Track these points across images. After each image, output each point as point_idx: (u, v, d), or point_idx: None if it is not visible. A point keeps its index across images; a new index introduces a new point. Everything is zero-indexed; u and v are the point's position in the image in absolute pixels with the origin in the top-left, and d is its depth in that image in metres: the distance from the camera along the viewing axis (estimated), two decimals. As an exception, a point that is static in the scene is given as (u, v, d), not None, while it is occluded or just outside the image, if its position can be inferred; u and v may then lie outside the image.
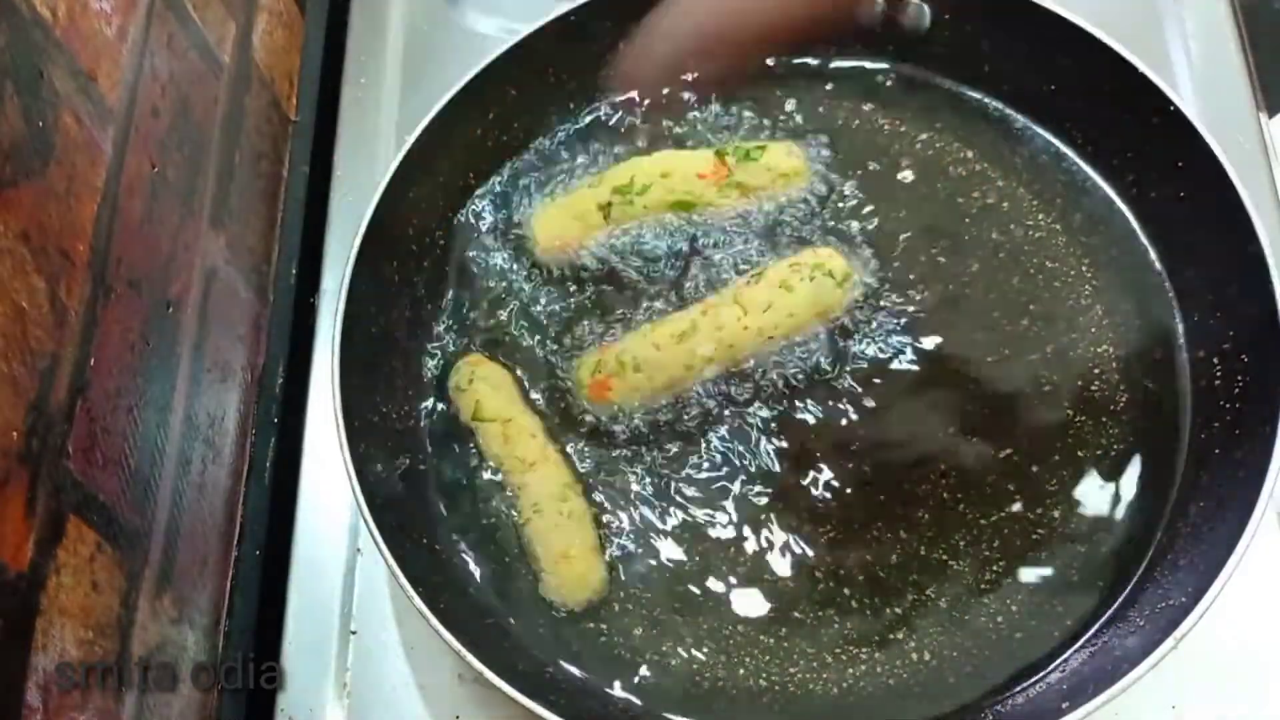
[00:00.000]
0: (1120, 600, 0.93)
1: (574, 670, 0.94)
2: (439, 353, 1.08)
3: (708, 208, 1.10)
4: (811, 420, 1.01)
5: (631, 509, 0.99)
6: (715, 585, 0.96)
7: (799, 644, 0.94)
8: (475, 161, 1.13)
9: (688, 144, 1.15)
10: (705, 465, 1.00)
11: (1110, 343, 1.03)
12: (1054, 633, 0.93)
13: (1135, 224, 1.08)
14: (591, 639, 0.94)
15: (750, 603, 0.95)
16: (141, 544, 0.89)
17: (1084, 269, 1.06)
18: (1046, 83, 1.10)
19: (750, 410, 1.01)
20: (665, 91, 1.15)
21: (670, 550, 0.97)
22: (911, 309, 1.05)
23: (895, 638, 0.93)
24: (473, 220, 1.13)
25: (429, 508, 1.00)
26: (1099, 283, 1.05)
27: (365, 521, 0.89)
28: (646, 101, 1.15)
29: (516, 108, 1.13)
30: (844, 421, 1.01)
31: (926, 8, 1.12)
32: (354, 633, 1.03)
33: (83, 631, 0.77)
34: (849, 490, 0.98)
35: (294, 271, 1.19)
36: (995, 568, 0.95)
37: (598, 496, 1.00)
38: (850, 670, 0.93)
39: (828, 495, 0.98)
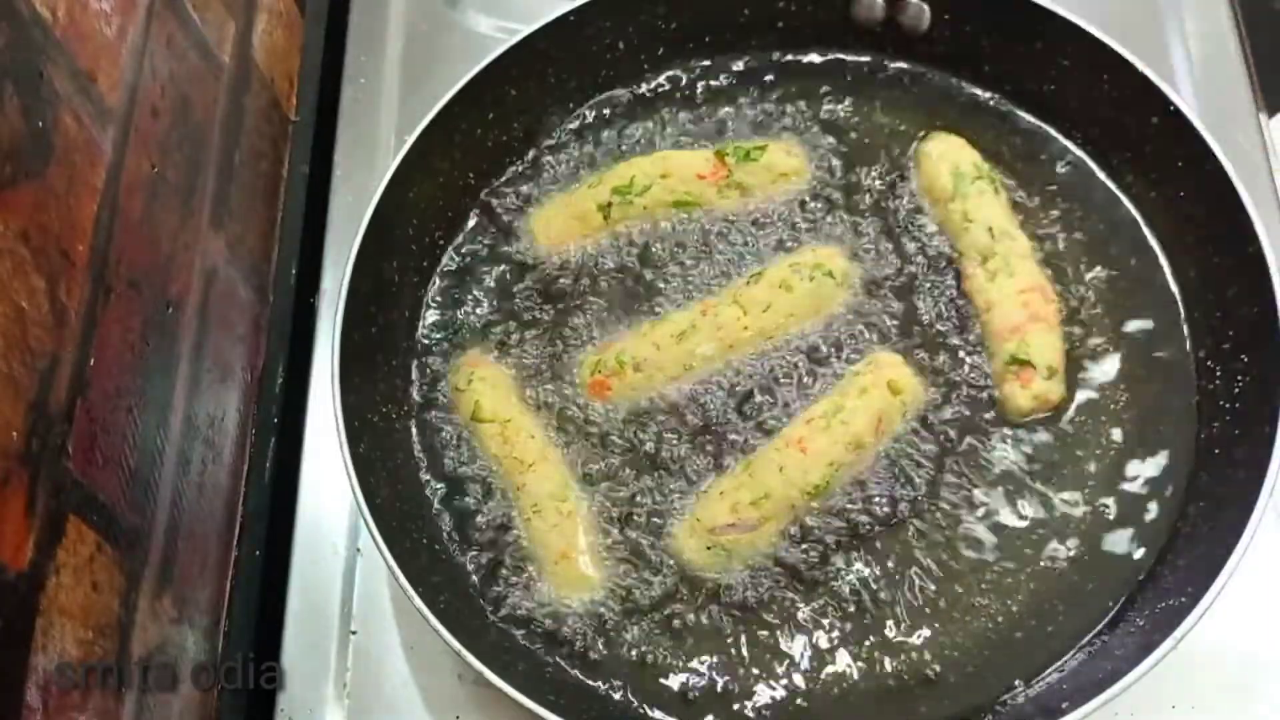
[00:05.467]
0: (1120, 601, 0.93)
1: (574, 670, 0.94)
2: (438, 353, 1.08)
3: (708, 208, 1.10)
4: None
5: (631, 509, 0.99)
6: (715, 586, 0.96)
7: (799, 644, 0.94)
8: (475, 161, 1.13)
9: (688, 144, 1.15)
10: (705, 464, 1.00)
11: (1110, 342, 1.03)
12: (1054, 633, 0.93)
13: (1136, 223, 1.08)
14: (591, 639, 0.94)
15: (750, 603, 0.95)
16: (141, 544, 0.89)
17: (1083, 268, 1.06)
18: (1046, 82, 1.10)
19: (750, 409, 1.02)
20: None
21: (670, 550, 0.97)
22: (912, 308, 1.05)
23: (896, 637, 0.93)
24: (472, 220, 1.13)
25: (429, 508, 1.00)
26: (1100, 282, 1.05)
27: (365, 521, 0.90)
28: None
29: (516, 108, 1.13)
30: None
31: (926, 7, 1.12)
32: (354, 633, 1.03)
33: (83, 631, 0.77)
34: (849, 490, 0.98)
35: (294, 271, 1.19)
36: (996, 568, 0.95)
37: (597, 496, 1.00)
38: (851, 669, 0.93)
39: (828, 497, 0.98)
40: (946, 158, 1.09)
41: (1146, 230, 1.07)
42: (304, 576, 1.05)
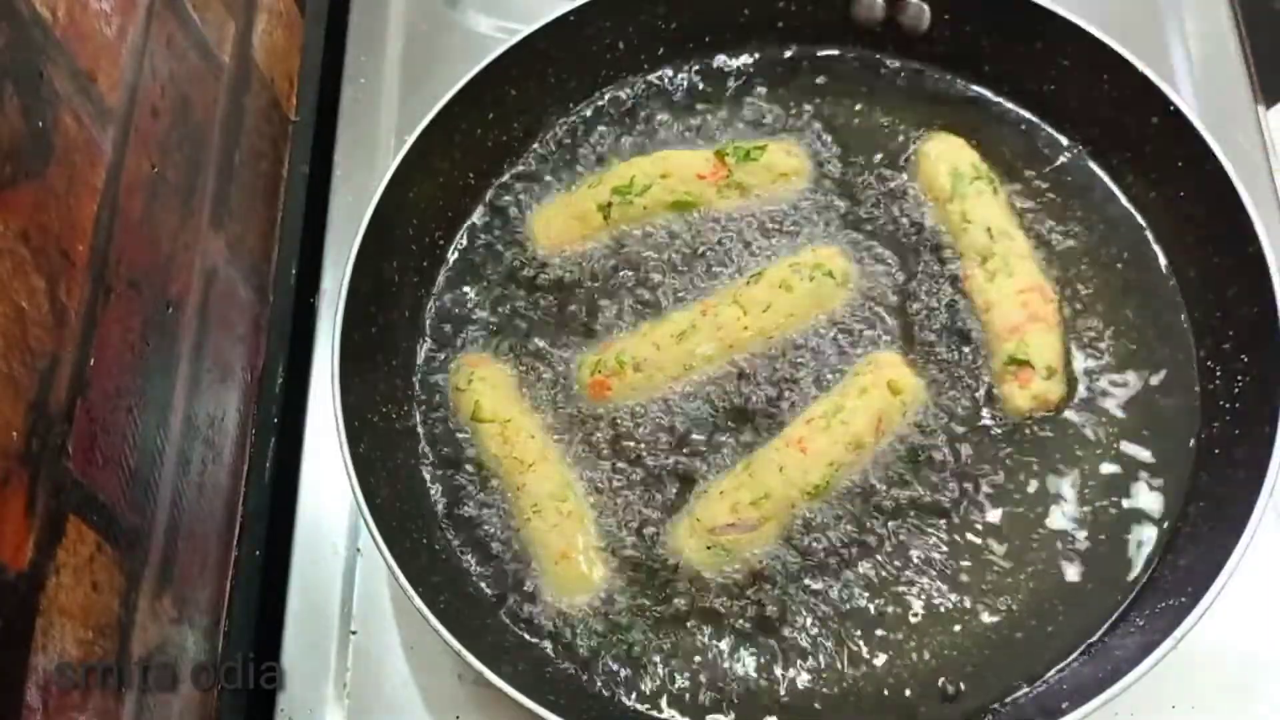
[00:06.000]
0: (1121, 601, 0.93)
1: (574, 670, 0.94)
2: (438, 353, 1.08)
3: (708, 208, 1.10)
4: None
5: (631, 508, 0.99)
6: (715, 586, 0.96)
7: (799, 644, 0.94)
8: (475, 161, 1.13)
9: (688, 144, 1.15)
10: (705, 464, 1.00)
11: (1111, 341, 1.03)
12: (1054, 633, 0.93)
13: (1136, 223, 1.08)
14: (591, 639, 0.94)
15: (750, 603, 0.95)
16: (141, 544, 0.89)
17: (1084, 268, 1.06)
18: (1046, 82, 1.11)
19: (750, 409, 1.02)
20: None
21: (670, 550, 0.97)
22: (911, 308, 1.05)
23: (895, 638, 0.93)
24: (472, 220, 1.13)
25: (429, 508, 1.00)
26: (1100, 282, 1.05)
27: (365, 521, 0.90)
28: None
29: (516, 108, 1.13)
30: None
31: (926, 7, 1.12)
32: (354, 633, 1.03)
33: (83, 631, 0.77)
34: (848, 491, 0.98)
35: (294, 271, 1.20)
36: (996, 568, 0.95)
37: (597, 496, 1.00)
38: (850, 670, 0.93)
39: (828, 498, 0.98)
40: (945, 158, 1.09)
41: (1146, 230, 1.07)
42: (304, 576, 1.05)
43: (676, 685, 0.93)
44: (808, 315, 1.04)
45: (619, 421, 1.02)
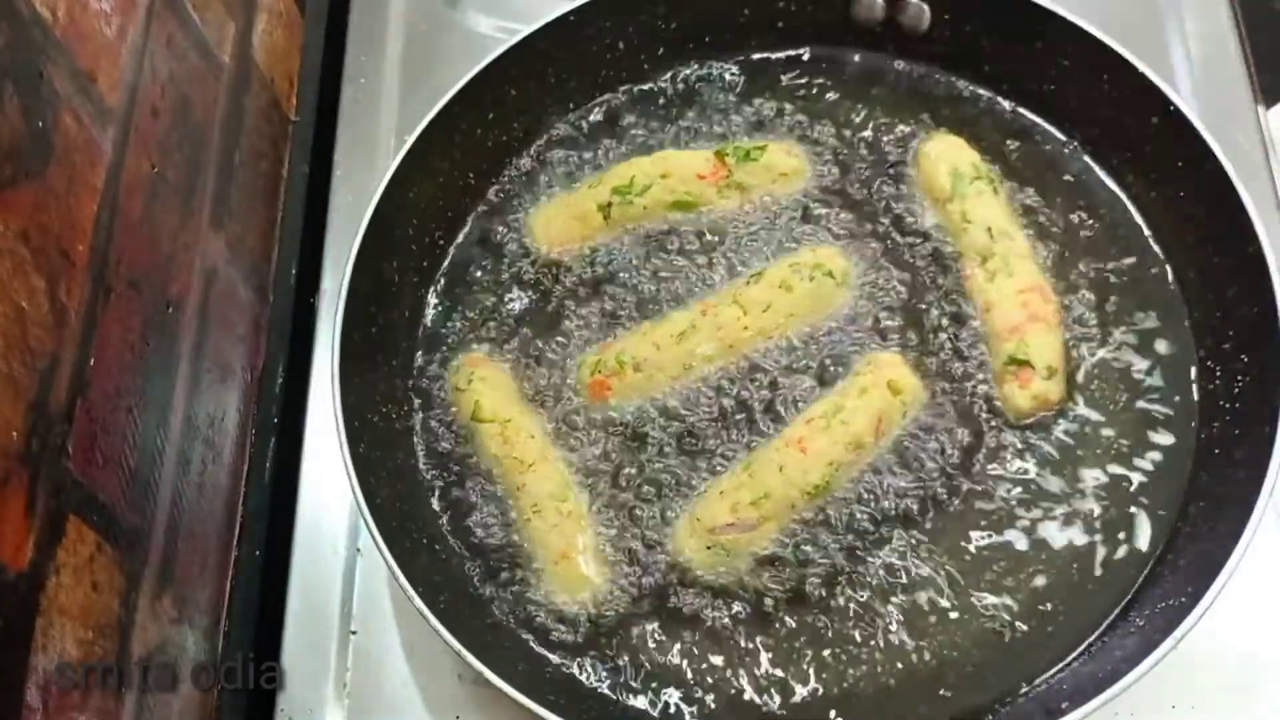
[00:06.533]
0: (1120, 601, 0.93)
1: (574, 670, 0.94)
2: (438, 353, 1.08)
3: (708, 208, 1.10)
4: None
5: (630, 508, 0.99)
6: (715, 586, 0.96)
7: (799, 644, 0.94)
8: (475, 161, 1.13)
9: (688, 144, 1.15)
10: (705, 464, 1.00)
11: (1110, 342, 1.03)
12: (1054, 633, 0.93)
13: (1136, 223, 1.08)
14: (590, 639, 0.94)
15: (749, 603, 0.95)
16: (141, 544, 0.89)
17: (1083, 268, 1.06)
18: (1046, 82, 1.11)
19: (750, 409, 1.02)
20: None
21: (670, 550, 0.97)
22: (911, 308, 1.05)
23: (895, 637, 0.93)
24: (472, 220, 1.13)
25: (429, 508, 1.00)
26: (1099, 282, 1.05)
27: (365, 521, 0.90)
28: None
29: (516, 108, 1.13)
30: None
31: (926, 7, 1.12)
32: (354, 633, 1.03)
33: (83, 631, 0.77)
34: (849, 491, 0.98)
35: (294, 271, 1.20)
36: (996, 568, 0.95)
37: (597, 496, 1.00)
38: (850, 670, 0.93)
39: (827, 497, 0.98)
40: (945, 158, 1.09)
41: (1146, 230, 1.07)
42: (304, 576, 1.05)
43: (676, 685, 0.93)
44: (808, 315, 1.04)
45: (619, 421, 1.02)
